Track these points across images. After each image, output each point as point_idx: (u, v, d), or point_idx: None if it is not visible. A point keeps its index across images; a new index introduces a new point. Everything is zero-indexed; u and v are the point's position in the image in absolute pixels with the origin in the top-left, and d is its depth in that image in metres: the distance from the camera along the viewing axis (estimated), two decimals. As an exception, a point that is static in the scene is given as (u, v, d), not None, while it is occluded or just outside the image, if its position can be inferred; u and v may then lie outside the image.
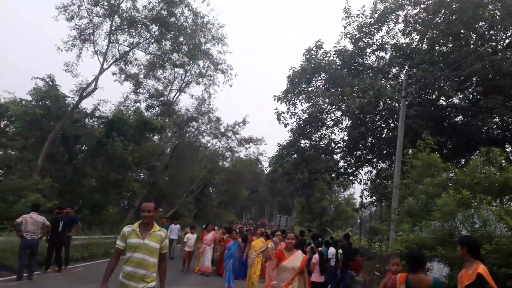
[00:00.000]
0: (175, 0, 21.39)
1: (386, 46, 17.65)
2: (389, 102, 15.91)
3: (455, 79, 13.77)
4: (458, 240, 4.59)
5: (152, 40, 23.42)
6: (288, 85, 17.75)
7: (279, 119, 16.80)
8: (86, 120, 20.48)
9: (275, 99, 17.19)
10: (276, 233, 7.89)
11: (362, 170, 19.53)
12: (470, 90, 15.78)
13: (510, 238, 5.54)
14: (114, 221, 20.36)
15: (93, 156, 20.01)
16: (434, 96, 15.99)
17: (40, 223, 9.10)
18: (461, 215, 6.27)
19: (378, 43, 17.68)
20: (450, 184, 7.14)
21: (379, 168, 18.69)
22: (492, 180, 6.39)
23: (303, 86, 17.74)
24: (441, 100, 15.98)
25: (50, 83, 18.71)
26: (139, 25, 21.78)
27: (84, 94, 19.02)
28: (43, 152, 16.69)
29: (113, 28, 20.28)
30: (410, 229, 6.90)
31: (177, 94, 29.00)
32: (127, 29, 21.38)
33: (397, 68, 17.56)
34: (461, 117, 16.21)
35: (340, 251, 10.07)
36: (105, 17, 20.25)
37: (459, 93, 15.09)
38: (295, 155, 18.33)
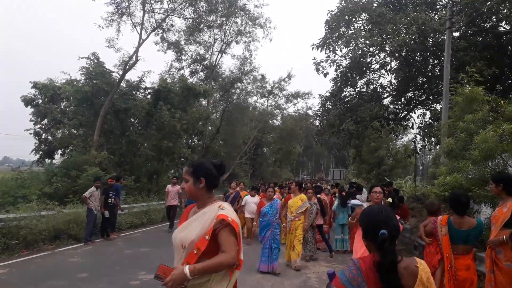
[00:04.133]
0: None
1: (432, -27, 15.71)
2: (438, 36, 14.38)
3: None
4: (492, 178, 4.14)
5: (187, 4, 23.33)
6: (327, 31, 16.68)
7: (317, 69, 15.94)
8: (134, 92, 21.23)
9: (313, 48, 16.31)
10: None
11: (414, 113, 18.23)
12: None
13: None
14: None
15: (144, 127, 20.95)
16: (492, 23, 14.10)
17: (98, 195, 10.41)
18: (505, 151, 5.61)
19: (422, -29, 15.78)
20: (494, 119, 6.36)
21: (433, 109, 17.27)
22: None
23: (343, 30, 16.54)
24: (500, 27, 14.05)
25: (95, 61, 19.55)
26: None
27: (127, 67, 19.64)
28: (97, 127, 17.76)
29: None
30: (448, 171, 6.35)
31: (219, 56, 28.91)
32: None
33: (446, -3, 15.66)
34: (526, 42, 14.16)
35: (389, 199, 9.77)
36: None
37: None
38: (339, 106, 17.54)
